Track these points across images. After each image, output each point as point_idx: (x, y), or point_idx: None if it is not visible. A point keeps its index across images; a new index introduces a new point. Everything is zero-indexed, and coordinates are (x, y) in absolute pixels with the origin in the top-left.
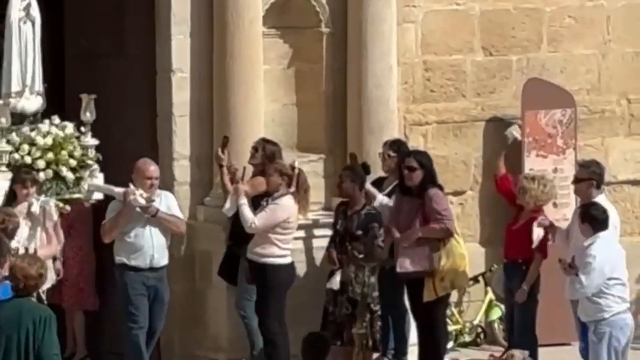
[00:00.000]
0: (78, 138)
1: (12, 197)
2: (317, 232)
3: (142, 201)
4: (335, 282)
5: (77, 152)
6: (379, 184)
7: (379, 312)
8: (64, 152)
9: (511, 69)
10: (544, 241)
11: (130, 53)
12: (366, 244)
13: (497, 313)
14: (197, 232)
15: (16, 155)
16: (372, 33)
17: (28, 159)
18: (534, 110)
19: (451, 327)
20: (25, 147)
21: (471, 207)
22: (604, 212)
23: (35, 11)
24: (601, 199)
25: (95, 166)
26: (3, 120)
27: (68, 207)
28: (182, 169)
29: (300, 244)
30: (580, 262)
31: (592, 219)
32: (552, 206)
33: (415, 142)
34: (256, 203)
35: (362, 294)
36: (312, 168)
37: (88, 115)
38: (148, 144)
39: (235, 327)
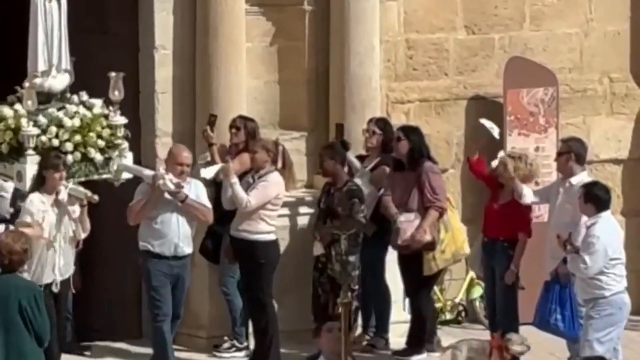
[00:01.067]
0: (106, 117)
1: (40, 182)
2: (300, 209)
3: (171, 186)
4: (317, 248)
5: (106, 132)
6: (359, 161)
7: (357, 292)
8: (92, 134)
9: (493, 47)
10: (528, 220)
11: (112, 30)
12: (343, 218)
13: (478, 291)
14: None
15: (43, 138)
16: (354, 11)
17: (56, 142)
18: (516, 89)
19: None
20: (53, 129)
21: (453, 185)
22: (607, 192)
23: None
24: (584, 176)
25: (125, 145)
26: (29, 103)
27: (96, 197)
28: (165, 146)
29: (284, 221)
30: (582, 241)
31: (596, 198)
32: (534, 185)
33: (397, 120)
34: (240, 180)
35: (341, 263)
36: (295, 146)
37: (116, 94)
38: (130, 121)
39: (217, 305)
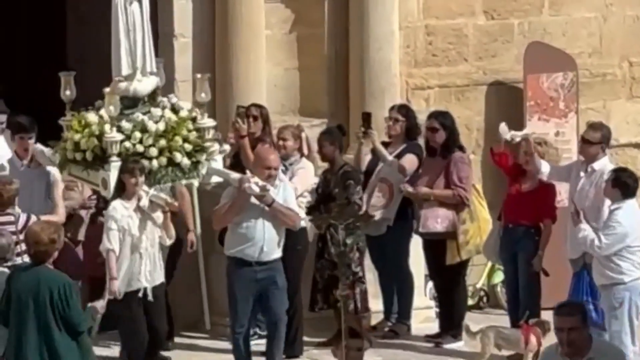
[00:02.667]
0: (194, 119)
1: (121, 188)
2: None
3: (257, 189)
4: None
5: (193, 136)
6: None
7: (360, 274)
8: (177, 138)
9: (513, 32)
10: (554, 206)
11: None
12: (340, 206)
13: (499, 276)
14: (201, 197)
15: (127, 144)
16: None
17: (140, 147)
18: (536, 74)
19: None
20: (137, 134)
21: (474, 170)
22: (636, 180)
23: None
24: (605, 160)
25: (214, 148)
26: (112, 108)
27: (176, 204)
28: None
29: None
30: (603, 223)
31: (624, 185)
32: None
33: (417, 107)
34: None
35: (339, 255)
36: (314, 132)
37: (203, 96)
38: None
39: None
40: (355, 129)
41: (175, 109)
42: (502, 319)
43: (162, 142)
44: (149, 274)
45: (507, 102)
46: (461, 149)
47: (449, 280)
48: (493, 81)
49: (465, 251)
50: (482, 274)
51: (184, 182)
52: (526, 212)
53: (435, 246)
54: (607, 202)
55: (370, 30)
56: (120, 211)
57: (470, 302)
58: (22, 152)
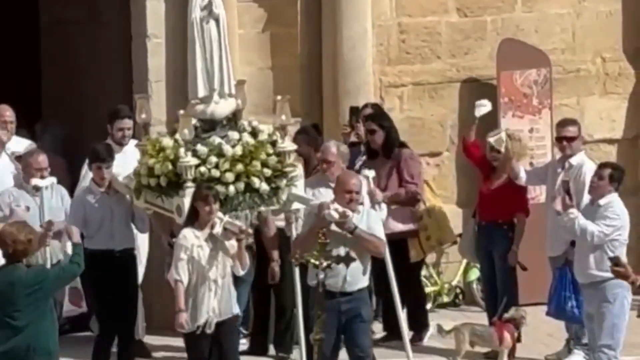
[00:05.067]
0: (274, 143)
1: (193, 216)
2: None
3: (336, 215)
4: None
5: (272, 160)
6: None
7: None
8: (255, 162)
9: (486, 29)
10: (525, 200)
11: (103, 19)
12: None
13: (475, 274)
14: None
15: (202, 169)
16: None
17: (216, 173)
18: (509, 71)
19: (430, 289)
20: (213, 159)
21: (448, 168)
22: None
23: (219, 8)
24: (582, 155)
25: (295, 173)
26: (186, 132)
27: (251, 231)
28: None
29: None
30: (598, 215)
31: (620, 180)
32: (528, 165)
33: (391, 104)
34: None
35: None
36: (289, 132)
37: (284, 118)
38: None
39: None
40: (330, 127)
41: (255, 132)
42: (477, 316)
43: (239, 167)
44: (219, 306)
45: (481, 99)
46: (404, 146)
47: (413, 278)
48: (466, 78)
49: (428, 247)
50: (458, 271)
51: (262, 208)
52: (499, 209)
53: (398, 245)
54: (587, 196)
55: (344, 29)
56: (191, 240)
57: (445, 299)
58: (99, 181)
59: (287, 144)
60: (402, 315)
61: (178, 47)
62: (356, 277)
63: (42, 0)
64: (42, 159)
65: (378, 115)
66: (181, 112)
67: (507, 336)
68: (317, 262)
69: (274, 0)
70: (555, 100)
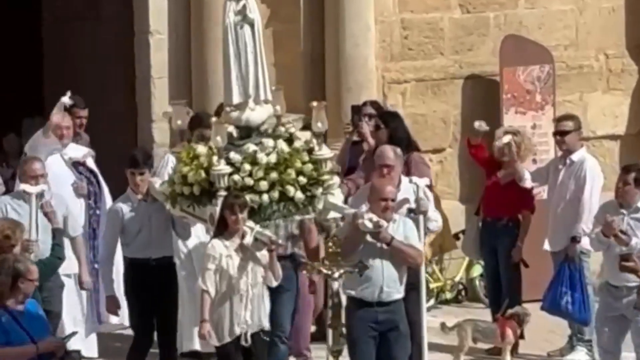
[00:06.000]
0: (310, 151)
1: (222, 225)
2: None
3: (370, 225)
4: None
5: (307, 168)
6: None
7: None
8: (290, 171)
9: (489, 25)
10: (531, 197)
11: (105, 15)
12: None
13: (477, 270)
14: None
15: (236, 177)
16: None
17: (249, 181)
18: (512, 67)
19: (432, 285)
20: (247, 167)
21: (450, 164)
22: None
23: (254, 12)
24: (583, 152)
25: (332, 181)
26: (219, 139)
27: (281, 241)
28: (161, 131)
29: None
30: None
31: None
32: (531, 162)
33: (393, 101)
34: None
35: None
36: None
37: (320, 125)
38: (126, 106)
39: None
40: (332, 123)
41: (291, 139)
42: (480, 313)
43: (274, 175)
44: (250, 317)
45: (484, 95)
46: (413, 148)
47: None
48: (469, 74)
49: (430, 251)
50: (461, 267)
51: (297, 217)
52: (505, 205)
53: None
54: (587, 193)
55: (346, 25)
56: (219, 250)
57: (448, 295)
58: (134, 187)
59: (324, 152)
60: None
61: (181, 43)
62: (393, 287)
63: None
64: (38, 167)
65: (386, 113)
66: (214, 119)
67: (509, 333)
68: (328, 272)
69: None
70: (558, 96)
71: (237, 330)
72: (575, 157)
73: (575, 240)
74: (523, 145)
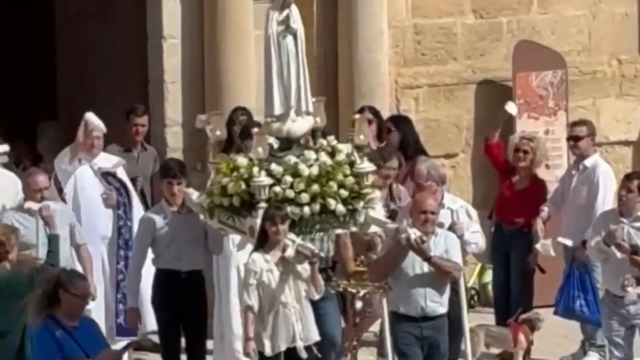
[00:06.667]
0: (352, 164)
1: (263, 238)
2: None
3: (412, 239)
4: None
5: (349, 181)
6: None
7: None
8: (331, 183)
9: (502, 31)
10: (546, 201)
11: (119, 18)
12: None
13: (490, 275)
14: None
15: (277, 189)
16: None
17: (290, 193)
18: (525, 72)
19: None
20: (288, 179)
21: (463, 169)
22: None
23: (297, 22)
24: (596, 157)
25: (373, 195)
26: (260, 150)
27: (322, 254)
28: (175, 136)
29: None
30: None
31: None
32: (544, 168)
33: (406, 106)
34: None
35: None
36: None
37: (362, 138)
38: None
39: None
40: (345, 129)
41: (333, 152)
42: (492, 318)
43: (315, 188)
44: (301, 332)
45: (497, 100)
46: (421, 152)
47: None
48: (482, 80)
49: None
50: (473, 272)
51: (338, 231)
52: (520, 210)
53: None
54: (600, 198)
55: (359, 30)
56: (260, 264)
57: None
58: (170, 197)
59: (366, 165)
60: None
61: (194, 48)
62: (435, 302)
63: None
64: (42, 180)
65: (397, 117)
66: (256, 130)
67: (522, 337)
68: (353, 291)
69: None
70: (571, 102)
71: (281, 346)
72: (588, 162)
73: (585, 244)
74: (538, 151)
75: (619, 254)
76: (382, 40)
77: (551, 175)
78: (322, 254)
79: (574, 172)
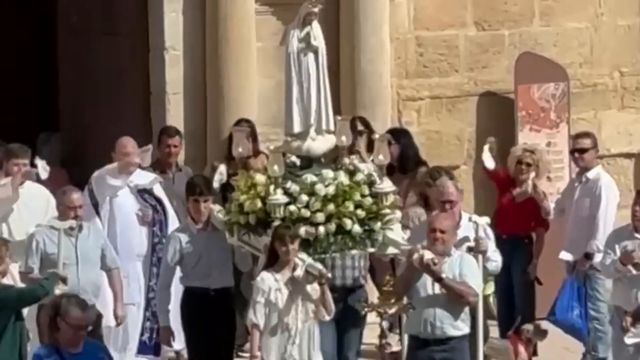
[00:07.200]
0: (371, 184)
1: (273, 257)
2: None
3: (426, 260)
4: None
5: (367, 202)
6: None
7: None
8: (348, 203)
9: (504, 43)
10: (543, 214)
11: (121, 30)
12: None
13: (491, 287)
14: None
15: (292, 208)
16: (364, 9)
17: (306, 212)
18: (527, 85)
19: None
20: (304, 197)
21: (465, 181)
22: None
23: (318, 40)
24: (599, 169)
25: (392, 216)
26: (276, 168)
27: (330, 275)
28: None
29: None
30: None
31: None
32: (546, 180)
33: (408, 118)
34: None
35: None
36: None
37: (381, 158)
38: (141, 121)
39: None
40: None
41: (354, 172)
42: (494, 330)
43: (331, 207)
44: (300, 353)
45: (498, 112)
46: (422, 164)
47: None
48: (484, 92)
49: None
50: None
51: (354, 252)
52: (520, 222)
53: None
54: (602, 211)
55: (361, 42)
56: (268, 283)
57: None
58: (195, 215)
59: (386, 185)
60: None
61: (196, 60)
62: (447, 324)
63: (61, 10)
64: (76, 198)
65: (397, 130)
66: (271, 147)
67: (521, 349)
68: (381, 311)
69: (292, 13)
70: (572, 114)
71: None
72: (590, 174)
73: (588, 256)
74: (540, 164)
75: (634, 271)
76: (384, 52)
77: (553, 187)
78: (330, 275)
79: (576, 184)
